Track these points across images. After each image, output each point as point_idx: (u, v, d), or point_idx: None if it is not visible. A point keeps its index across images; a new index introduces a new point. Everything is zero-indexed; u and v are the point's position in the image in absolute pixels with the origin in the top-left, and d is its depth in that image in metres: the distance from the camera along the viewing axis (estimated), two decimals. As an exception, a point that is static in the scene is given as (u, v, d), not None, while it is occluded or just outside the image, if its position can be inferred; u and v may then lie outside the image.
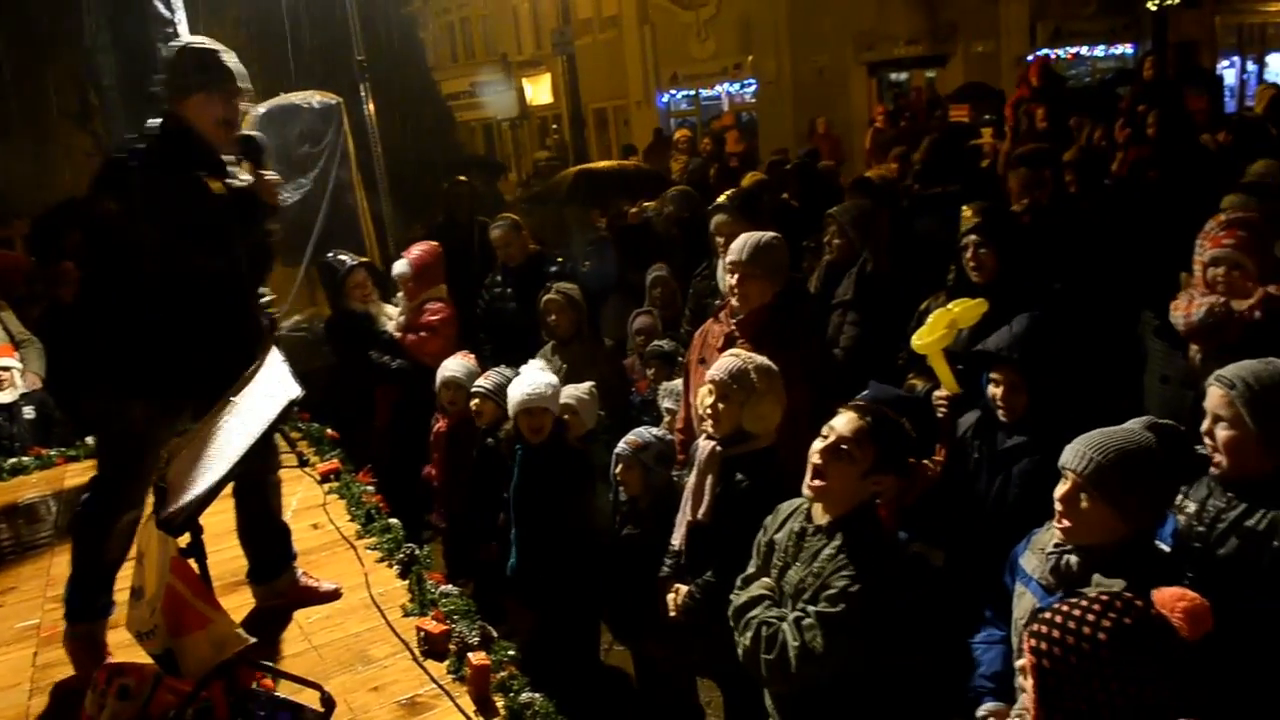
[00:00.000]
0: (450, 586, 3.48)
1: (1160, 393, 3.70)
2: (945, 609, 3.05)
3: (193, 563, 2.61)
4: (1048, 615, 1.78)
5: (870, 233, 4.87)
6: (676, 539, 3.44)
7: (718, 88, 21.84)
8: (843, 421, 2.69)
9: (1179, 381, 3.55)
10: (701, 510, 3.27)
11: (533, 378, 4.02)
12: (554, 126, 25.07)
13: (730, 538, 3.08)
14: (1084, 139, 7.72)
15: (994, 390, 3.28)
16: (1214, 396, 2.56)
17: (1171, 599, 1.76)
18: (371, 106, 6.80)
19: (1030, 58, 14.50)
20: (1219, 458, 2.55)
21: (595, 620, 4.31)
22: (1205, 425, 2.59)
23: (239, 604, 3.57)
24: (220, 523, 4.23)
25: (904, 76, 20.10)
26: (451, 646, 3.11)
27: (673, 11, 21.63)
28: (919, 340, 3.64)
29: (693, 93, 22.49)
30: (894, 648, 2.61)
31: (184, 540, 2.56)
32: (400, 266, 5.79)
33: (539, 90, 25.30)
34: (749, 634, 2.71)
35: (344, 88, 6.75)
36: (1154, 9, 18.37)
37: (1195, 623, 1.73)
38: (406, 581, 3.61)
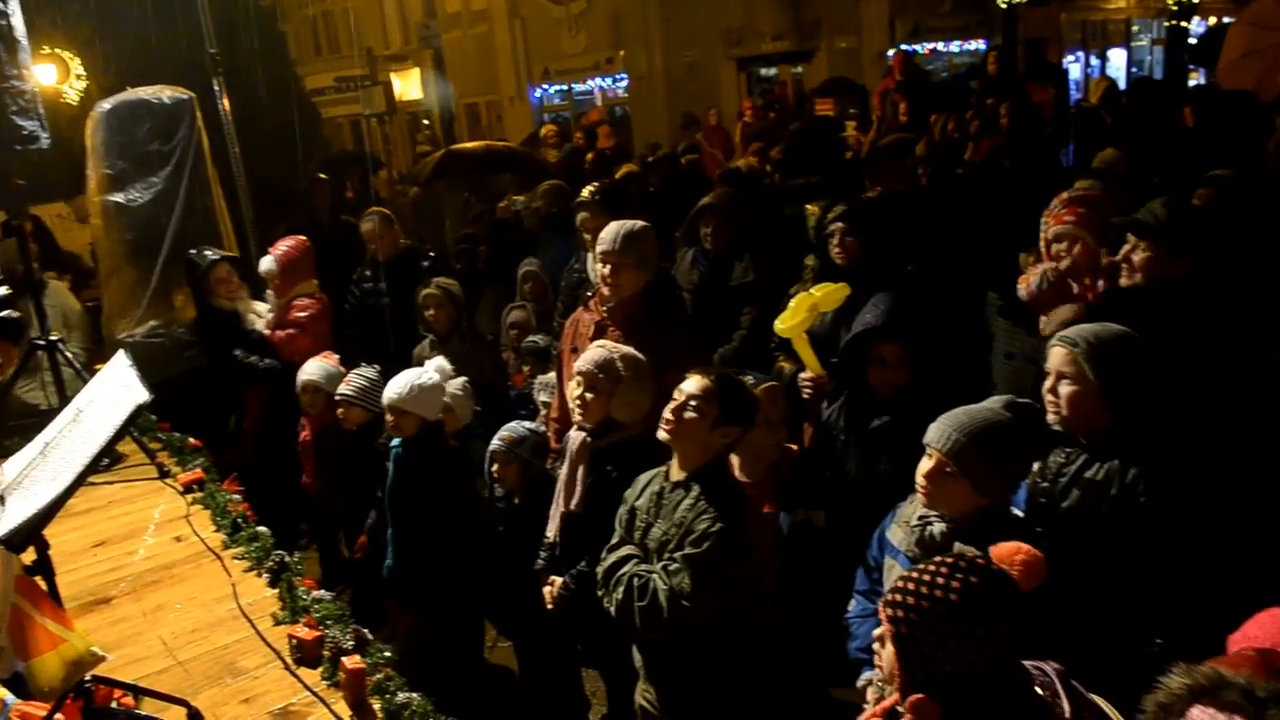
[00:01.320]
0: (322, 592, 3.40)
1: (1006, 369, 3.91)
2: (819, 573, 3.19)
3: (41, 580, 2.48)
4: (900, 584, 1.86)
5: (748, 221, 4.96)
6: (551, 531, 3.46)
7: (590, 82, 21.86)
8: (690, 383, 2.93)
9: (1023, 357, 3.76)
10: (574, 501, 3.31)
11: (401, 377, 3.96)
12: (425, 122, 24.63)
13: (603, 527, 3.12)
14: (936, 131, 8.05)
15: (877, 369, 3.36)
16: (1057, 355, 2.74)
17: (1008, 553, 1.89)
18: (227, 102, 6.54)
19: (891, 52, 15.02)
20: (1062, 413, 2.73)
21: (477, 618, 4.29)
22: (1048, 384, 2.77)
23: (99, 622, 3.41)
24: (74, 540, 4.05)
25: (772, 72, 20.54)
26: (325, 652, 3.04)
27: (543, 6, 21.52)
28: (782, 324, 3.75)
29: (565, 87, 22.43)
30: (756, 592, 2.83)
31: (29, 557, 2.43)
32: (267, 263, 5.61)
33: (408, 85, 24.78)
34: (620, 589, 2.86)
35: (198, 83, 6.47)
36: (1004, 6, 19.29)
37: (1031, 574, 1.86)
38: (277, 590, 3.51)
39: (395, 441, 3.98)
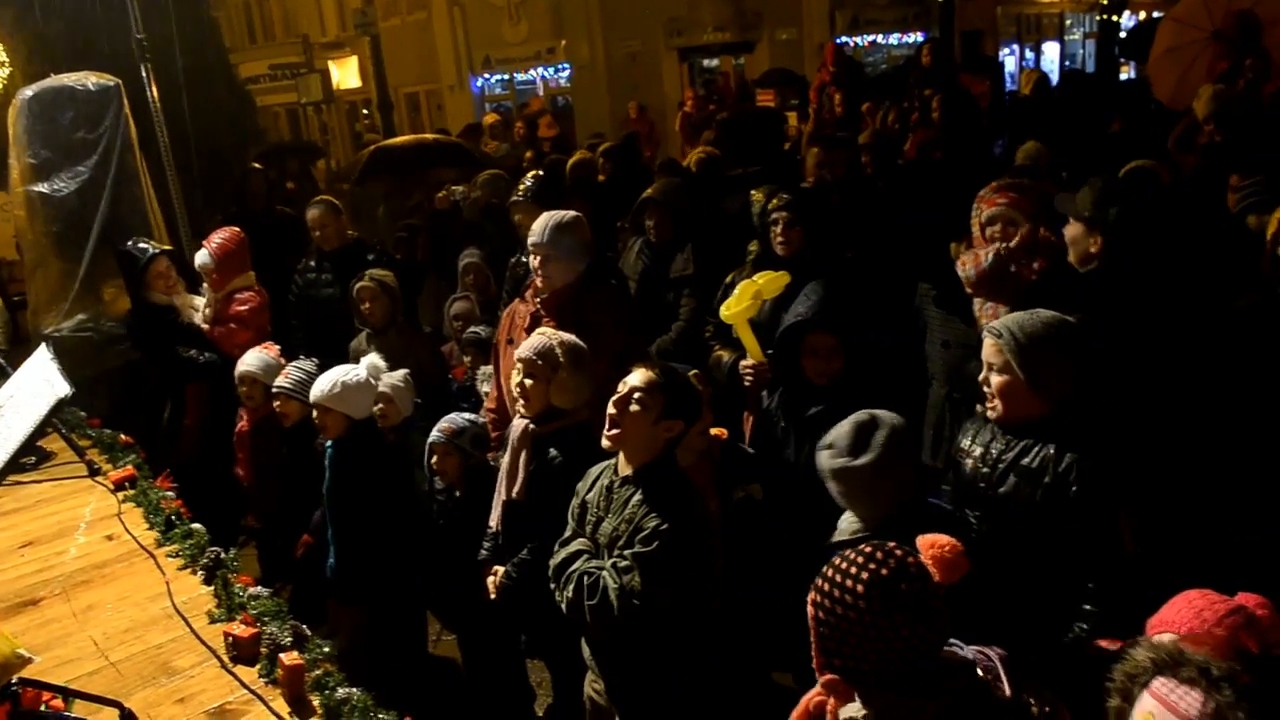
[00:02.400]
0: (260, 588, 3.34)
1: (942, 356, 3.99)
2: (761, 554, 3.22)
3: (-38, 582, 2.41)
4: (824, 570, 1.88)
5: (689, 210, 4.97)
6: (493, 520, 3.45)
7: (532, 72, 21.72)
8: (635, 376, 2.90)
9: (959, 345, 3.84)
10: (516, 488, 3.30)
11: (328, 375, 3.91)
12: (364, 111, 24.27)
13: (545, 514, 3.12)
14: (878, 123, 8.15)
15: (811, 359, 3.41)
16: (987, 347, 2.80)
17: (924, 546, 1.90)
18: (155, 90, 6.37)
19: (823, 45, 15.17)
20: (995, 403, 2.78)
21: (420, 612, 4.26)
22: (983, 374, 2.82)
23: (27, 624, 3.31)
24: (1, 541, 3.93)
25: (714, 62, 20.61)
26: (262, 649, 2.98)
27: (483, -7, 21.35)
28: (726, 311, 3.78)
29: (507, 77, 22.27)
30: (705, 585, 2.84)
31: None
32: (202, 257, 5.47)
33: (346, 73, 24.40)
34: (571, 586, 2.84)
35: (125, 69, 6.30)
36: (940, -1, 19.57)
37: (947, 568, 1.86)
38: (212, 587, 3.44)
39: (329, 442, 3.93)
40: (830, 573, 1.85)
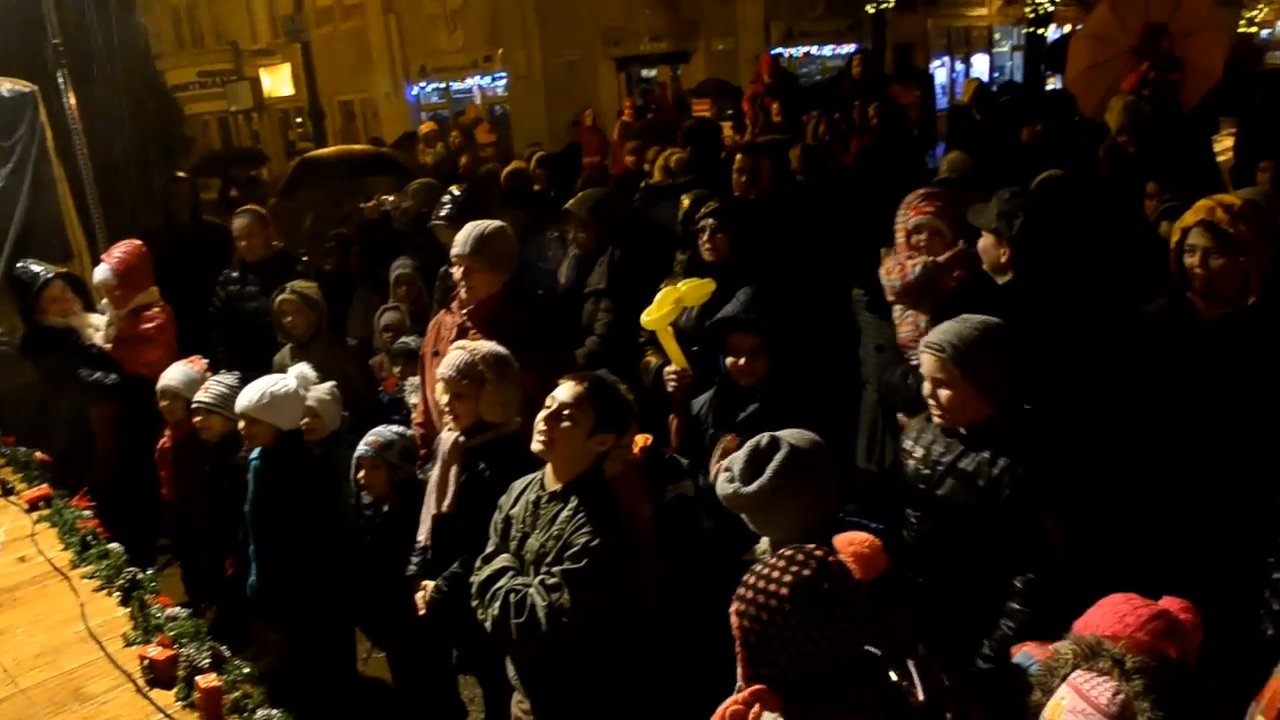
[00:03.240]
0: (178, 609, 3.25)
1: (877, 360, 4.05)
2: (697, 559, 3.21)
3: None
4: (745, 577, 1.89)
5: (610, 222, 4.97)
6: (422, 534, 3.40)
7: (469, 80, 21.62)
8: (564, 390, 2.85)
9: (892, 348, 3.89)
10: (446, 502, 3.25)
11: (255, 385, 3.82)
12: (298, 120, 23.94)
13: (476, 529, 3.08)
14: (809, 133, 8.24)
15: (733, 360, 3.40)
16: (928, 363, 2.84)
17: (842, 545, 1.92)
18: (74, 98, 6.19)
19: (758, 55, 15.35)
20: (944, 415, 2.85)
21: (348, 630, 4.18)
22: (927, 389, 2.88)
23: (-71, 654, 3.18)
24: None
25: (652, 72, 20.72)
26: (180, 672, 2.90)
27: (418, 1, 21.17)
28: (647, 317, 3.78)
29: (443, 85, 22.13)
30: (634, 601, 2.83)
31: None
32: (101, 273, 5.24)
33: (277, 81, 24.03)
34: (496, 604, 2.79)
35: (44, 76, 6.11)
36: (872, 12, 19.95)
37: (866, 564, 1.89)
38: (128, 609, 3.34)
39: (254, 453, 3.84)
40: (752, 580, 1.85)
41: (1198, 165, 5.70)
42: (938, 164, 8.41)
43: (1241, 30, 25.88)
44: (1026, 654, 2.09)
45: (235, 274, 5.79)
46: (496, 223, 3.88)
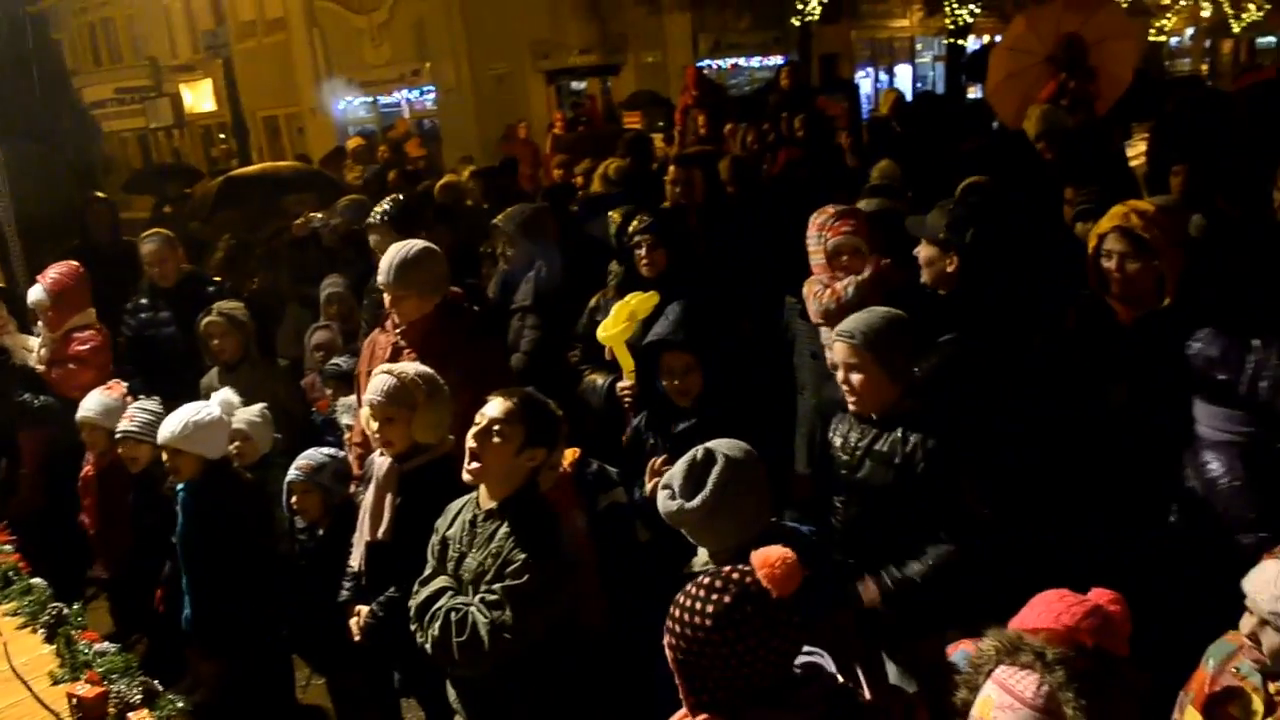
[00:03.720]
0: (107, 644, 3.15)
1: (812, 367, 4.10)
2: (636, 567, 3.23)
3: None
4: (672, 610, 1.88)
5: (539, 237, 4.95)
6: (355, 560, 3.34)
7: (396, 94, 21.41)
8: (493, 406, 2.84)
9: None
10: (382, 529, 3.19)
11: (176, 415, 3.74)
12: (221, 136, 23.46)
13: (410, 552, 3.03)
14: (737, 144, 8.33)
15: (668, 379, 3.44)
16: (840, 350, 3.03)
17: (758, 564, 1.91)
18: (-17, 116, 5.99)
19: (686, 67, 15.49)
20: (857, 399, 3.03)
21: (285, 658, 4.09)
22: (840, 375, 3.05)
23: None
24: None
25: (582, 85, 20.75)
26: (110, 709, 2.82)
27: (342, 15, 20.92)
28: (604, 332, 3.78)
29: (371, 99, 21.88)
30: (574, 618, 2.84)
31: None
32: (36, 293, 5.12)
33: (198, 96, 23.51)
34: (437, 624, 2.76)
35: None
36: (798, 24, 20.25)
37: (781, 582, 1.87)
38: (54, 646, 3.22)
39: (180, 486, 3.75)
40: (677, 614, 1.86)
41: (1113, 170, 5.87)
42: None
43: (1151, 39, 26.85)
44: (964, 652, 2.13)
45: (144, 300, 5.64)
46: (420, 244, 3.80)
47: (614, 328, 3.76)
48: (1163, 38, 29.48)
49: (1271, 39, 31.07)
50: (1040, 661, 1.71)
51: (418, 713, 3.91)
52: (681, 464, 2.67)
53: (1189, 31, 32.07)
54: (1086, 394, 3.34)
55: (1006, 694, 1.72)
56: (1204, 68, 28.45)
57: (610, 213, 4.73)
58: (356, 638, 3.34)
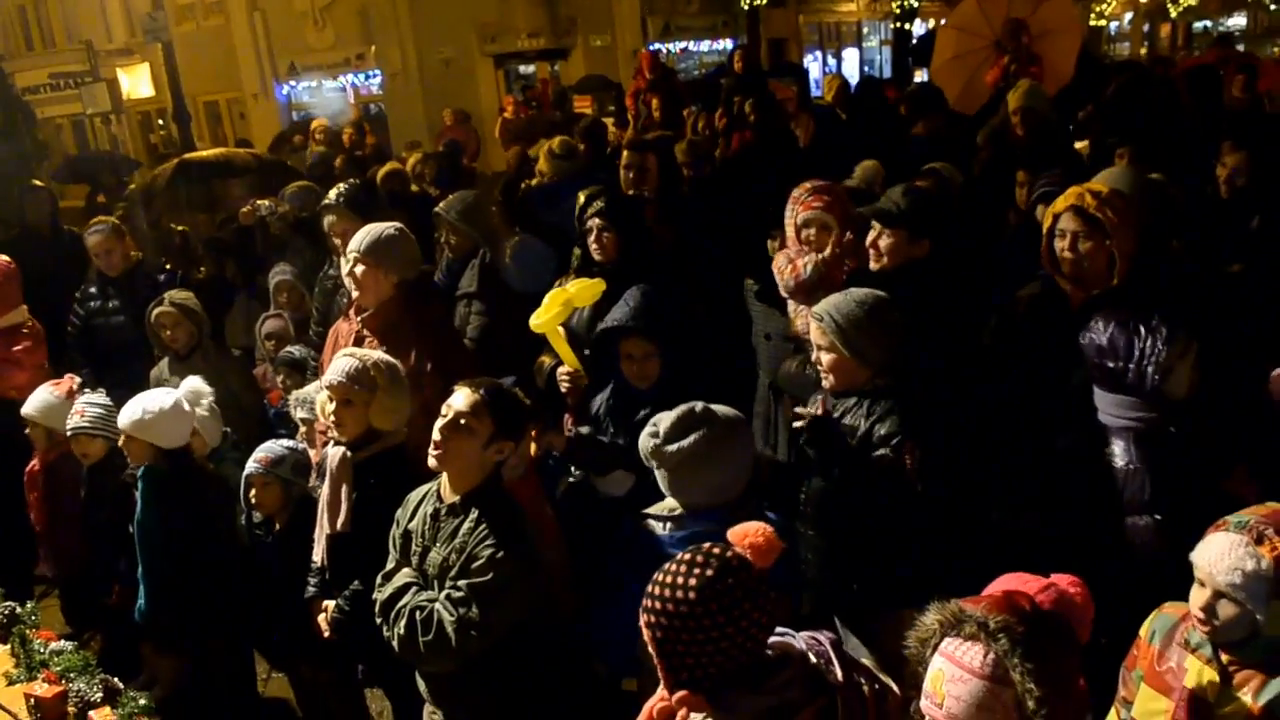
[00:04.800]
0: (64, 643, 3.09)
1: (766, 348, 4.16)
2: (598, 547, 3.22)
3: None
4: (650, 589, 1.90)
5: (481, 224, 4.92)
6: (317, 554, 3.30)
7: (341, 79, 21.05)
8: (459, 398, 2.78)
9: (780, 336, 4.02)
10: (340, 520, 3.16)
11: (135, 403, 3.66)
12: (159, 122, 22.90)
13: (372, 544, 3.00)
14: (690, 128, 8.32)
15: (627, 365, 3.45)
16: (814, 330, 3.10)
17: (738, 537, 1.96)
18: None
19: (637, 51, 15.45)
20: (829, 378, 3.10)
21: (245, 653, 4.04)
22: (815, 355, 3.13)
23: None
24: None
25: (530, 69, 20.57)
26: (70, 709, 2.78)
27: (285, -3, 20.49)
28: (536, 319, 3.75)
29: (315, 84, 21.48)
30: (542, 606, 2.82)
31: None
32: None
33: (136, 82, 22.89)
34: (402, 622, 2.73)
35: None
36: (746, 7, 20.29)
37: (761, 554, 1.92)
38: (9, 646, 3.15)
39: (140, 471, 3.68)
40: (658, 591, 1.87)
41: (1066, 153, 5.96)
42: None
43: (1091, 24, 27.31)
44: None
45: (94, 289, 5.51)
46: (394, 225, 3.78)
47: (546, 315, 3.72)
48: (1102, 22, 30.00)
49: (1207, 23, 31.83)
50: (984, 631, 1.75)
51: (384, 701, 3.89)
52: (676, 411, 2.76)
53: (1128, 16, 32.67)
54: (1038, 376, 3.40)
55: (956, 666, 1.76)
56: (1143, 51, 28.98)
57: (580, 195, 4.68)
58: (326, 634, 3.30)
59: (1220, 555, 2.09)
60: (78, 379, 4.49)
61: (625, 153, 5.51)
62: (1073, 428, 3.20)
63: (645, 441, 2.75)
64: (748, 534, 1.93)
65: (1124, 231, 3.27)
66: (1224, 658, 2.16)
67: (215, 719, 3.94)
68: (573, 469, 3.52)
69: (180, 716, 3.86)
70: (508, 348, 4.38)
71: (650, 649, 1.89)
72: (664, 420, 2.76)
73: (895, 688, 1.98)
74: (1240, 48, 17.96)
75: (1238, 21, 33.32)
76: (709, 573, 1.84)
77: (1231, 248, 4.42)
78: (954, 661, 1.77)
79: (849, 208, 3.83)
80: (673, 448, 2.67)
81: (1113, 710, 2.43)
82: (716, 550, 1.89)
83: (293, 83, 21.32)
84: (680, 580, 1.84)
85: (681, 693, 1.85)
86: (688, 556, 1.89)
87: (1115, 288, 3.30)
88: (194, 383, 3.94)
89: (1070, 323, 3.36)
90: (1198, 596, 2.15)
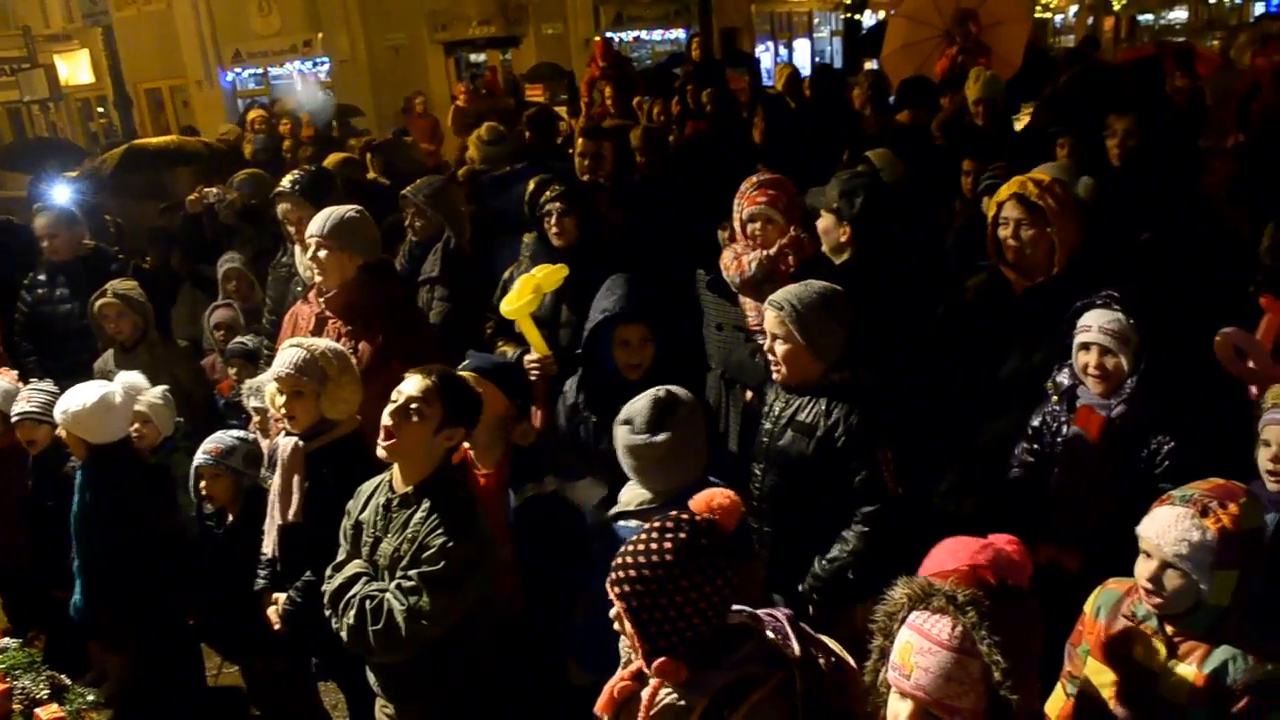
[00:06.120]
0: (7, 640, 3.02)
1: (717, 339, 4.16)
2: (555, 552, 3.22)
3: None
4: (618, 560, 1.94)
5: (447, 208, 4.89)
6: (268, 546, 3.26)
7: (288, 66, 20.68)
8: (410, 383, 2.75)
9: (731, 327, 4.03)
10: (292, 511, 3.12)
11: (72, 395, 3.59)
12: (99, 110, 22.35)
13: (325, 535, 2.97)
14: (644, 117, 8.31)
15: (623, 352, 3.37)
16: (769, 319, 3.08)
17: (704, 502, 2.03)
18: None
19: (592, 40, 15.38)
20: (780, 367, 3.09)
21: (194, 647, 3.98)
22: (768, 344, 3.11)
23: None
24: None
25: (481, 57, 20.39)
26: (15, 706, 2.72)
27: (229, -19, 20.08)
28: (507, 306, 3.74)
29: (261, 71, 21.10)
30: (492, 597, 2.82)
31: None
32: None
33: (75, 68, 22.28)
34: (352, 613, 2.71)
35: None
36: (699, -4, 20.26)
37: (727, 514, 2.00)
38: (-51, 644, 3.07)
39: (79, 464, 3.61)
40: (631, 560, 1.91)
41: (1020, 147, 6.05)
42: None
43: (1037, 15, 27.72)
44: None
45: (41, 276, 5.39)
46: (355, 207, 3.76)
47: (518, 301, 3.71)
48: (1048, 15, 30.49)
49: (1150, 16, 32.49)
50: (952, 605, 1.79)
51: (337, 694, 3.86)
52: (645, 400, 2.76)
53: (1073, 10, 33.23)
54: (983, 362, 3.47)
55: (924, 639, 1.79)
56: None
57: (529, 183, 4.66)
58: (276, 625, 3.26)
59: (1167, 527, 2.15)
60: (14, 372, 4.40)
61: (581, 140, 5.52)
62: (1014, 412, 3.27)
63: (630, 438, 2.73)
64: (713, 497, 2.01)
65: (1065, 220, 3.34)
66: (1169, 629, 2.23)
67: (166, 714, 3.89)
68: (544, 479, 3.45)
69: (130, 712, 3.80)
70: (471, 333, 4.37)
71: (625, 620, 1.93)
72: (638, 413, 2.74)
73: (851, 661, 2.01)
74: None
75: (1179, 15, 34.09)
76: (683, 535, 1.90)
77: (1135, 214, 4.50)
78: (922, 634, 1.80)
79: (795, 202, 3.86)
80: (661, 438, 2.67)
81: (1059, 686, 2.49)
82: (685, 516, 1.96)
83: (237, 69, 20.91)
84: (655, 546, 1.89)
85: (660, 660, 1.89)
86: (658, 524, 1.94)
87: (1056, 275, 3.38)
88: (130, 377, 3.86)
89: (1014, 310, 3.44)
90: (1144, 568, 2.21)
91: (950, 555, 2.26)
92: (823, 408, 3.02)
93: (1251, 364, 3.14)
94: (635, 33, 22.35)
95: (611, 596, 1.94)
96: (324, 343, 3.24)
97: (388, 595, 2.66)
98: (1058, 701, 2.48)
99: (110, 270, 5.30)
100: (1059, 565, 2.89)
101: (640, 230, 5.08)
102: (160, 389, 4.00)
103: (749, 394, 3.85)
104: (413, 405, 2.70)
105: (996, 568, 2.14)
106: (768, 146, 7.24)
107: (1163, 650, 2.23)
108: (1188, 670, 2.19)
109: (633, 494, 2.88)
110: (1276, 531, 2.52)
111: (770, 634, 1.95)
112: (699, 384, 4.21)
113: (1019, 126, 8.12)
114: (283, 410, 3.15)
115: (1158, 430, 2.87)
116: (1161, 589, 2.17)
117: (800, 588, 3.09)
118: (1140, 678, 2.25)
